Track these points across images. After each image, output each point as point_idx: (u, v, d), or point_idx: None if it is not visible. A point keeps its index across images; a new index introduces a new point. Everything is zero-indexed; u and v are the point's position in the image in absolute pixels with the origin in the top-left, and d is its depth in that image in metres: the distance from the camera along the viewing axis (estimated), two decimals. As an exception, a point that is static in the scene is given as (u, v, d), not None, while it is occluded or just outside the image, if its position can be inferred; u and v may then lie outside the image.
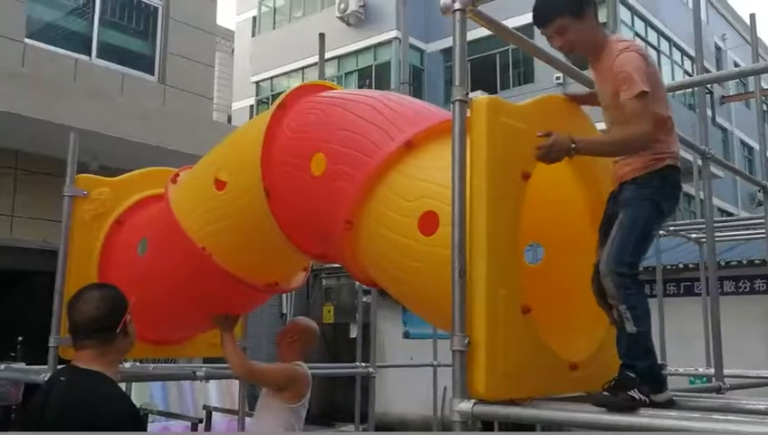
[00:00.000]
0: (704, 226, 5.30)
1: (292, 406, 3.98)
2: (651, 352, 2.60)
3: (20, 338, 8.48)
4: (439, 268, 2.64)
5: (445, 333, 2.68)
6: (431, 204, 2.84)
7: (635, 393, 2.48)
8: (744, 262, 10.43)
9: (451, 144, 2.61)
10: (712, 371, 4.75)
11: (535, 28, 2.90)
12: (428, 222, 2.82)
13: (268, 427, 3.98)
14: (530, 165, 2.73)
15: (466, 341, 2.47)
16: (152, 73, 10.83)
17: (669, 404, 2.73)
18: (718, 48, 26.75)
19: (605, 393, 2.52)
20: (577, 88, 3.47)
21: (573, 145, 2.59)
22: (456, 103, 2.64)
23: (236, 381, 5.07)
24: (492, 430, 7.55)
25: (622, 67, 2.66)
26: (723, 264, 9.91)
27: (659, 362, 2.85)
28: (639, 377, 2.53)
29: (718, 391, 4.11)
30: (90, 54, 10.14)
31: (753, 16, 6.26)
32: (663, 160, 2.72)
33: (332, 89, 3.91)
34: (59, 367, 3.14)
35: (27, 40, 9.37)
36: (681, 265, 10.47)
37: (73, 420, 2.41)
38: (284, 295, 14.21)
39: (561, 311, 3.04)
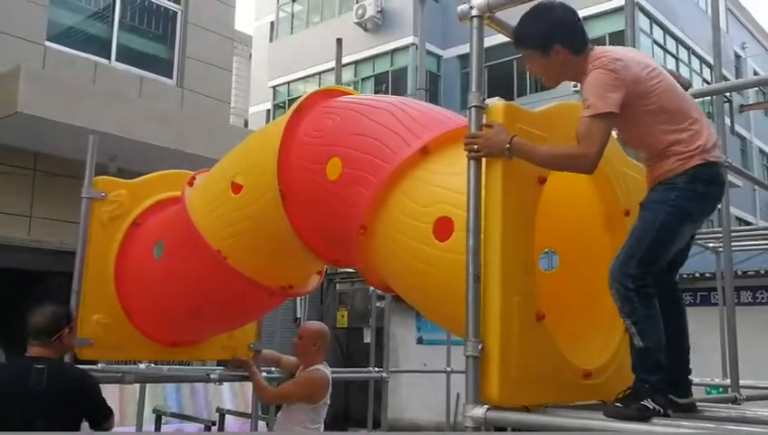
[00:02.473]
0: (721, 235, 5.25)
1: (310, 406, 4.47)
2: (662, 366, 2.54)
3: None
4: (454, 273, 2.64)
5: (458, 339, 2.68)
6: (446, 209, 2.84)
7: (648, 403, 2.45)
8: (762, 272, 10.32)
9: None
10: (728, 381, 4.71)
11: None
12: (443, 227, 2.82)
13: (284, 423, 4.55)
14: (546, 170, 2.73)
15: (480, 346, 2.46)
16: (170, 77, 10.91)
17: (691, 407, 2.71)
18: (738, 56, 26.55)
19: (617, 405, 2.50)
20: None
21: (508, 146, 2.53)
22: (473, 109, 2.65)
23: (250, 385, 5.10)
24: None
25: (584, 89, 2.63)
26: (740, 273, 9.81)
27: (690, 369, 2.81)
28: (653, 389, 2.50)
29: (734, 401, 4.08)
30: (109, 58, 10.23)
31: (772, 25, 6.20)
32: (690, 160, 2.59)
33: (349, 94, 3.92)
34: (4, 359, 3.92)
35: (48, 43, 9.47)
36: (697, 275, 10.36)
37: (84, 384, 3.64)
38: (298, 299, 14.20)
39: (575, 318, 3.03)
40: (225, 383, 8.90)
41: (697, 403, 3.04)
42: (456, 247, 2.68)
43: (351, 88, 4.48)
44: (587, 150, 2.54)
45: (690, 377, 2.83)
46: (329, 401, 4.62)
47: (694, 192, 2.60)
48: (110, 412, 3.72)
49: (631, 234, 2.61)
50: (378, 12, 21.75)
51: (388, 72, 22.10)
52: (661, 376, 2.54)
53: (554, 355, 2.66)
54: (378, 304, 8.86)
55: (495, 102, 2.67)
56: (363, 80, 22.54)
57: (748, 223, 22.10)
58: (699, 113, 2.74)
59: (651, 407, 2.44)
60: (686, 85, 2.86)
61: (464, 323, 2.50)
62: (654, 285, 2.58)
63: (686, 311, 2.84)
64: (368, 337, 13.06)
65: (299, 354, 4.71)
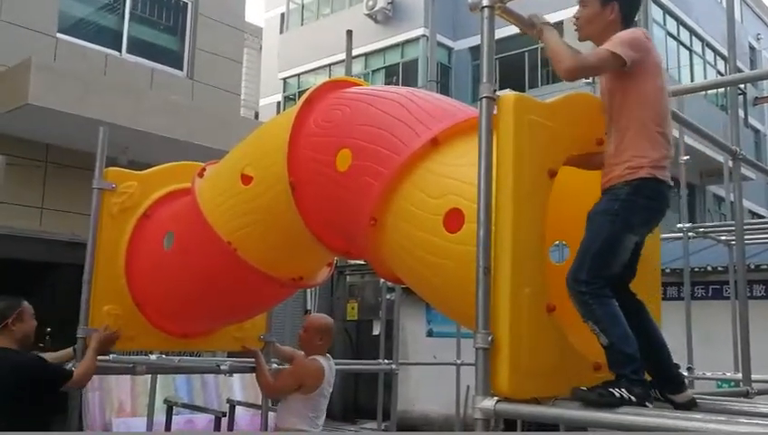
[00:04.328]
0: (734, 228, 5.22)
1: (304, 396, 4.43)
2: (633, 357, 2.56)
3: (48, 329, 8.58)
4: (464, 265, 2.63)
5: (468, 332, 2.67)
6: (456, 201, 2.82)
7: (617, 391, 2.46)
8: (775, 265, 10.24)
9: (477, 141, 2.59)
10: (739, 375, 4.68)
11: (564, 27, 2.89)
12: (454, 219, 2.81)
13: (283, 413, 4.54)
14: (556, 162, 2.71)
15: (490, 338, 2.45)
16: (181, 69, 10.93)
17: (691, 404, 2.70)
18: (752, 48, 26.32)
19: (583, 388, 2.52)
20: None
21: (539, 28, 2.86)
22: (483, 100, 2.62)
23: (260, 376, 5.12)
24: (515, 429, 7.51)
25: (612, 37, 2.76)
26: (753, 267, 9.72)
27: (675, 362, 2.81)
28: (629, 381, 2.51)
29: (746, 395, 4.05)
30: (120, 50, 10.27)
31: (787, 15, 6.14)
32: (638, 171, 2.66)
33: (358, 85, 3.91)
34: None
35: (59, 35, 9.51)
36: (710, 268, 10.30)
37: (15, 368, 3.79)
38: (309, 291, 14.25)
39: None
40: (235, 375, 8.93)
41: (709, 397, 3.02)
42: (466, 239, 2.67)
43: (362, 80, 4.45)
44: (577, 61, 2.73)
45: (679, 371, 2.84)
46: (327, 394, 4.57)
47: (634, 204, 2.66)
48: (65, 375, 3.93)
49: (580, 245, 2.69)
50: (388, 3, 21.68)
51: (398, 63, 22.05)
52: (635, 367, 2.55)
53: (565, 347, 2.64)
54: (388, 297, 8.87)
55: (506, 93, 2.66)
56: (374, 72, 22.49)
57: (761, 216, 21.96)
58: (670, 128, 2.82)
59: (618, 395, 2.45)
60: None
61: (474, 316, 2.49)
62: (606, 286, 2.63)
63: (648, 312, 2.85)
64: (377, 329, 13.07)
65: (303, 347, 4.70)
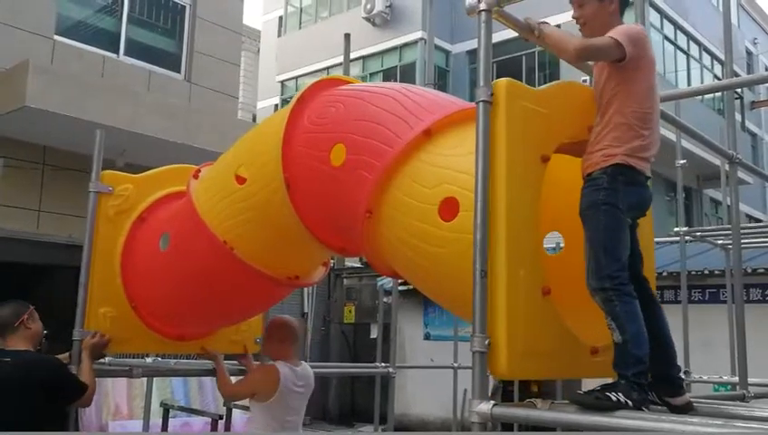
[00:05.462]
0: (730, 231, 5.22)
1: (262, 404, 4.29)
2: (641, 360, 2.57)
3: (45, 332, 8.58)
4: (459, 253, 2.63)
5: (465, 335, 2.67)
6: (451, 190, 2.83)
7: (613, 395, 2.47)
8: (772, 269, 10.24)
9: (475, 143, 2.59)
10: (736, 378, 4.69)
11: (563, 30, 2.90)
12: (448, 208, 2.81)
13: (251, 427, 4.52)
14: (549, 148, 2.73)
15: (487, 342, 2.45)
16: (179, 71, 10.93)
17: (687, 408, 2.70)
18: (749, 52, 26.39)
19: (579, 391, 2.53)
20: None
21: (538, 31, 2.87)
22: (480, 104, 2.62)
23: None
24: (512, 430, 7.49)
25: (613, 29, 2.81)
26: (749, 271, 9.75)
27: (677, 364, 2.82)
28: (629, 385, 2.52)
29: (742, 399, 4.05)
30: (117, 52, 10.26)
31: (784, 20, 6.15)
32: (612, 158, 2.71)
33: (351, 83, 3.91)
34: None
35: (57, 37, 9.50)
36: (707, 272, 10.31)
37: (39, 370, 3.79)
38: (306, 295, 14.26)
39: (582, 295, 3.00)
40: (231, 378, 8.93)
41: (705, 401, 3.03)
42: (462, 227, 2.67)
43: (355, 78, 4.46)
44: (584, 42, 2.77)
45: (680, 374, 2.85)
46: (294, 403, 4.33)
47: (615, 190, 2.70)
48: (81, 389, 3.86)
49: (588, 246, 2.70)
50: (386, 7, 21.72)
51: (396, 67, 22.07)
52: (639, 370, 2.56)
53: (561, 330, 2.66)
54: (385, 300, 8.87)
55: (498, 80, 2.66)
56: (371, 75, 22.51)
57: (758, 220, 21.99)
58: (656, 126, 2.86)
59: (615, 399, 2.46)
60: None
61: (469, 304, 2.48)
62: (629, 283, 2.65)
63: (660, 306, 2.87)
64: (375, 333, 13.06)
65: (266, 353, 4.59)
